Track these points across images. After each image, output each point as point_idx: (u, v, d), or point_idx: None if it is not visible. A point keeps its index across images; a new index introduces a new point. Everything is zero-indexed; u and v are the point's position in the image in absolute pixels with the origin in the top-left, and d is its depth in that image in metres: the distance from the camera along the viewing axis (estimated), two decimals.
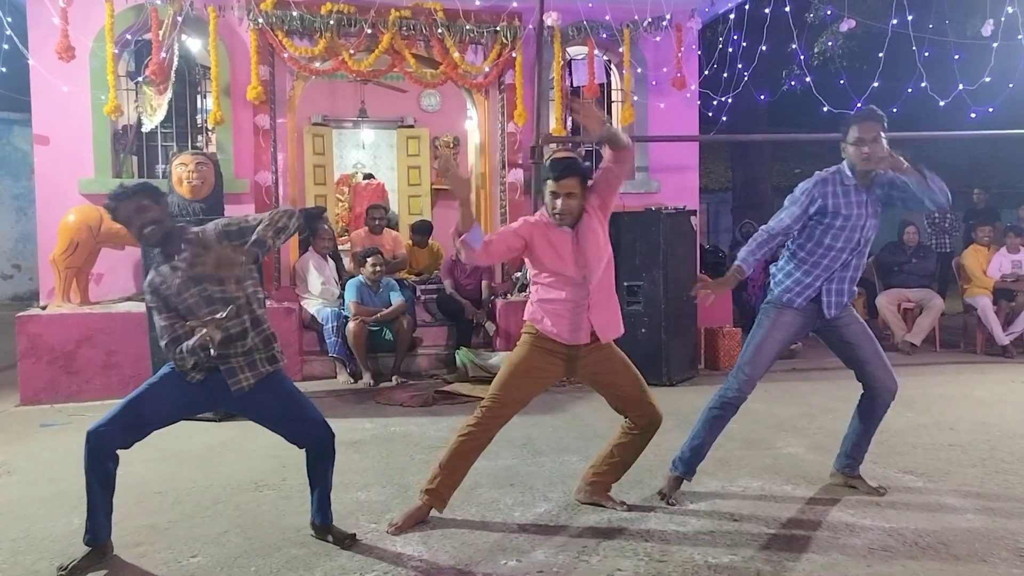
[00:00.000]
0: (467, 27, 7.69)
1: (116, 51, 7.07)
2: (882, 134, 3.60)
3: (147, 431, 3.19)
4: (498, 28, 7.80)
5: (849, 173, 3.72)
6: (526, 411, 3.71)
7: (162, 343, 3.18)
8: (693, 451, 3.84)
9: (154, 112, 7.17)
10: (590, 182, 3.47)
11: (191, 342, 3.06)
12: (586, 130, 3.40)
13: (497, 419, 3.54)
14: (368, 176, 11.86)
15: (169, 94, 7.10)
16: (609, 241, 3.57)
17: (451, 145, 11.22)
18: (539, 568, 3.06)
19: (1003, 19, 7.42)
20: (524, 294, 6.91)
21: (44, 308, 6.69)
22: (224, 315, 3.01)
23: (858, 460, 4.01)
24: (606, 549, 3.24)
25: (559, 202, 3.39)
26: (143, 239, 3.19)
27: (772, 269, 3.99)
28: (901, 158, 3.54)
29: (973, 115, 7.55)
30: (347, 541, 3.30)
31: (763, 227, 3.82)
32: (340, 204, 11.36)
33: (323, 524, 3.37)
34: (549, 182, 3.41)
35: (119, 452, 3.14)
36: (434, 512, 3.56)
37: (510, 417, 3.59)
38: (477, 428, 3.51)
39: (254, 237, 3.17)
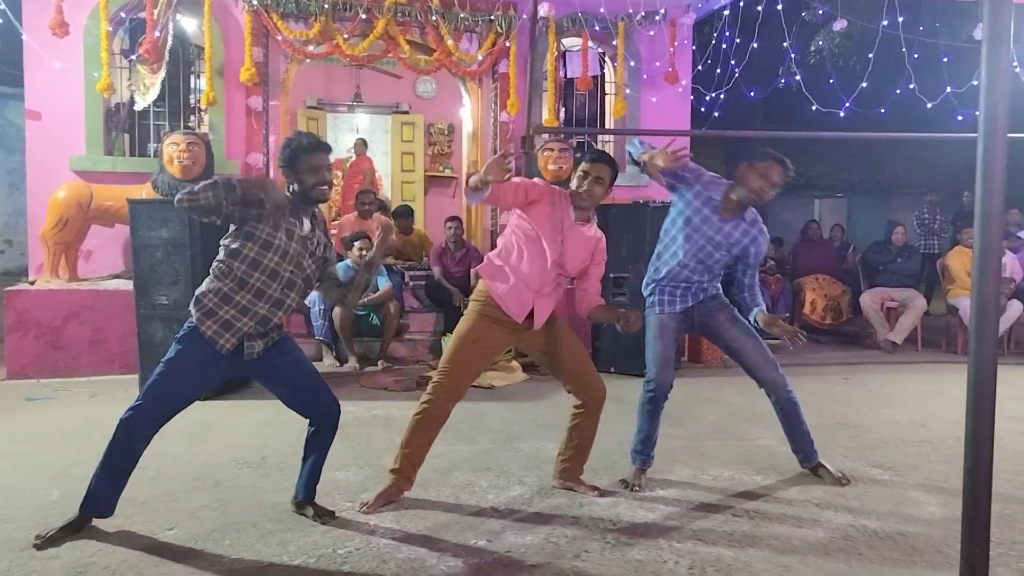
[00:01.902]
0: (462, 15, 7.72)
1: (110, 28, 7.09)
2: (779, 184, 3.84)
3: (179, 409, 3.23)
4: (492, 17, 7.84)
5: (723, 189, 3.90)
6: (505, 398, 3.79)
7: (221, 288, 3.15)
8: (643, 443, 3.99)
9: (147, 91, 7.18)
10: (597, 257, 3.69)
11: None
12: None
13: (449, 393, 3.59)
14: (362, 142, 11.69)
15: (162, 73, 7.12)
16: (578, 271, 3.69)
17: (445, 132, 11.26)
18: (507, 548, 3.13)
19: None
20: None
21: (33, 283, 6.74)
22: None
23: (808, 452, 4.14)
24: (574, 532, 3.31)
25: (586, 183, 3.55)
26: (313, 193, 3.22)
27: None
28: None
29: (960, 117, 7.61)
30: (325, 517, 3.38)
31: None
32: (333, 188, 11.39)
33: (305, 498, 3.44)
34: (583, 163, 3.59)
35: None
36: (410, 493, 3.64)
37: (463, 391, 3.65)
38: (430, 405, 3.57)
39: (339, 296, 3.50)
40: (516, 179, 3.51)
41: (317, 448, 3.44)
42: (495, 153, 8.07)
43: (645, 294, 4.13)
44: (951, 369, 7.31)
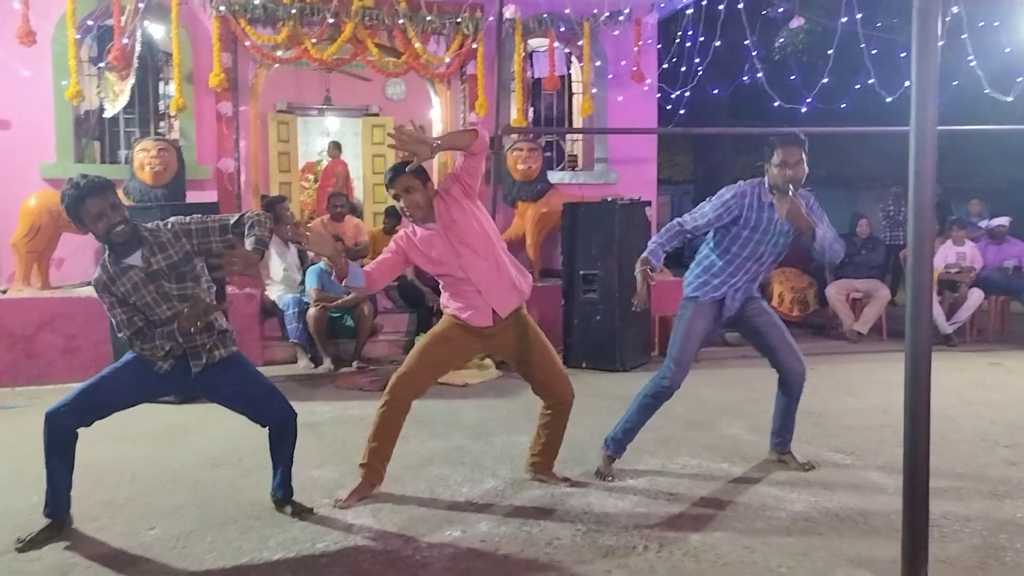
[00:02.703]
0: (428, 18, 7.81)
1: (78, 36, 7.09)
2: (804, 156, 3.83)
3: (107, 413, 3.30)
4: (459, 19, 7.93)
5: (768, 191, 3.91)
6: (481, 395, 3.88)
7: (122, 335, 3.29)
8: (625, 433, 4.06)
9: (116, 98, 7.20)
10: (451, 172, 3.57)
11: (171, 328, 3.22)
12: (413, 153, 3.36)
13: (409, 388, 3.67)
14: (335, 145, 11.71)
15: (132, 80, 7.14)
16: (486, 220, 3.65)
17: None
18: (482, 538, 3.23)
19: (947, 19, 7.68)
20: None
21: (5, 292, 6.73)
22: (208, 305, 3.25)
23: (787, 438, 4.27)
24: (547, 521, 3.42)
25: (401, 202, 3.54)
26: (110, 237, 3.20)
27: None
28: (808, 216, 3.76)
29: None
30: (304, 513, 3.46)
31: (677, 220, 4.04)
32: (305, 191, 11.43)
33: (283, 497, 3.52)
34: (389, 191, 3.59)
35: (79, 429, 3.25)
36: (386, 488, 3.73)
37: (423, 388, 3.74)
38: (392, 398, 3.65)
39: (256, 234, 3.27)
40: (373, 264, 3.59)
41: (281, 452, 3.50)
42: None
43: (686, 284, 4.12)
44: None
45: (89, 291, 6.65)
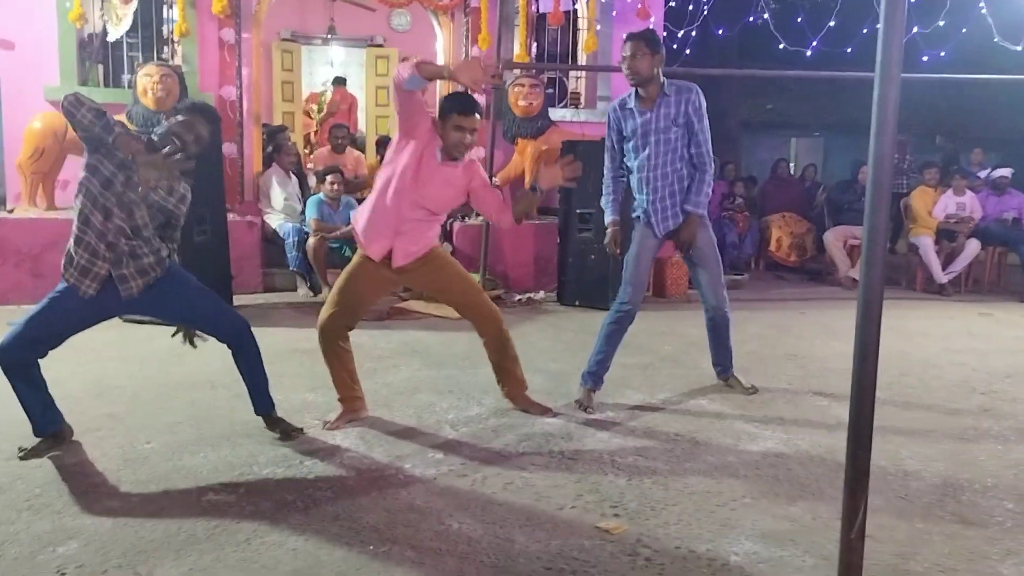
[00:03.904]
0: None
1: None
2: (646, 52, 3.98)
3: (54, 344, 3.30)
4: None
5: (633, 95, 4.12)
6: (471, 328, 3.98)
7: (92, 107, 3.06)
8: (599, 364, 4.22)
9: (119, 21, 7.19)
10: (489, 189, 3.78)
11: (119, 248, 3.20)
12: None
13: (336, 322, 3.78)
14: (341, 81, 11.69)
15: (135, 4, 7.11)
16: (453, 208, 3.90)
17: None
18: (462, 461, 3.39)
19: None
20: (480, 218, 7.13)
21: (11, 212, 6.83)
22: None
23: (726, 365, 4.58)
24: (525, 448, 3.57)
25: (467, 137, 3.55)
26: (165, 142, 3.20)
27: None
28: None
29: (925, 58, 7.74)
30: (293, 433, 3.59)
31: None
32: (315, 117, 11.36)
33: (265, 412, 3.61)
34: (456, 115, 3.51)
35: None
36: (374, 413, 3.89)
37: (352, 320, 3.85)
38: (321, 335, 3.81)
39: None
40: (421, 101, 3.55)
41: (245, 366, 3.55)
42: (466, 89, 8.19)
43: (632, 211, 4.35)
44: (906, 305, 7.61)
45: None
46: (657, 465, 3.41)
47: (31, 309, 3.32)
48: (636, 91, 4.11)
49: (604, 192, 4.32)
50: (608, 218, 4.29)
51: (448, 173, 3.63)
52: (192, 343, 3.62)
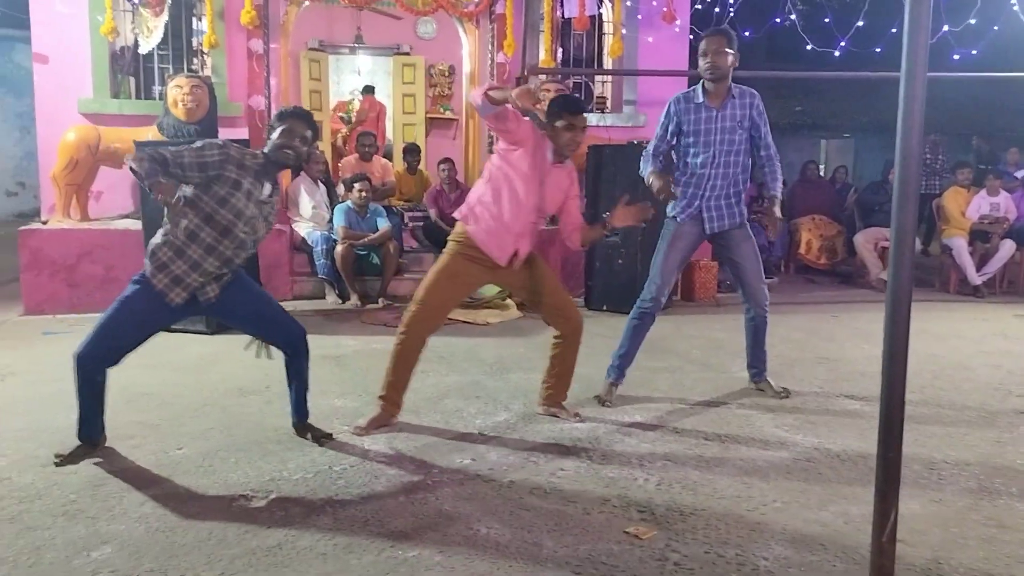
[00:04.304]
0: None
1: None
2: (728, 51, 4.05)
3: (130, 349, 3.36)
4: None
5: (700, 91, 4.13)
6: (499, 334, 4.00)
7: (145, 151, 3.22)
8: (621, 358, 4.31)
9: (150, 34, 7.32)
10: (576, 199, 3.91)
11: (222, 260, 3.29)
12: None
13: (423, 324, 3.79)
14: (369, 90, 11.76)
15: (165, 16, 7.24)
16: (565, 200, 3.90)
17: (446, 74, 11.30)
18: (490, 466, 3.39)
19: None
20: None
21: (46, 223, 6.96)
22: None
23: (760, 368, 4.54)
24: (553, 453, 3.56)
25: (569, 133, 3.67)
26: (277, 154, 3.35)
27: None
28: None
29: (956, 56, 7.63)
30: (323, 439, 3.63)
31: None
32: (343, 128, 11.44)
33: (301, 421, 3.68)
34: (566, 115, 3.67)
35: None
36: (403, 418, 3.89)
37: (437, 322, 3.87)
38: (406, 335, 3.79)
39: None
40: (512, 110, 3.60)
41: (296, 372, 3.63)
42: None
43: (668, 207, 4.38)
44: (940, 308, 7.50)
45: (127, 223, 6.87)
46: (686, 469, 3.39)
47: (102, 317, 3.36)
48: (703, 87, 4.14)
49: (643, 164, 4.26)
50: (648, 171, 4.20)
51: (557, 175, 3.76)
52: (268, 355, 3.65)
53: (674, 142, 4.28)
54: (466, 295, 4.06)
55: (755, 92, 4.23)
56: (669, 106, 4.24)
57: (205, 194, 3.26)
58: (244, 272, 3.58)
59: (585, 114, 3.77)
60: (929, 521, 2.93)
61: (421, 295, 3.81)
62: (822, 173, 12.08)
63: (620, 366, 4.32)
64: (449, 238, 3.89)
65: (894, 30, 7.77)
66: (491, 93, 3.43)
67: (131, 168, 3.14)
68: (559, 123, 3.69)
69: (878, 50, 7.99)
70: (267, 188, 3.40)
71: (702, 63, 4.10)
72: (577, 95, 3.73)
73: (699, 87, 4.18)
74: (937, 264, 9.19)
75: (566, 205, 3.91)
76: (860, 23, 7.68)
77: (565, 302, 3.98)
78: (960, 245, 8.48)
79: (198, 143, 3.29)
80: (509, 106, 3.46)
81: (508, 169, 3.71)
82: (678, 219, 4.30)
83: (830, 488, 3.24)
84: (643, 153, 4.33)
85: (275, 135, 3.39)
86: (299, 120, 3.42)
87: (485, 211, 3.75)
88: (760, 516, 2.96)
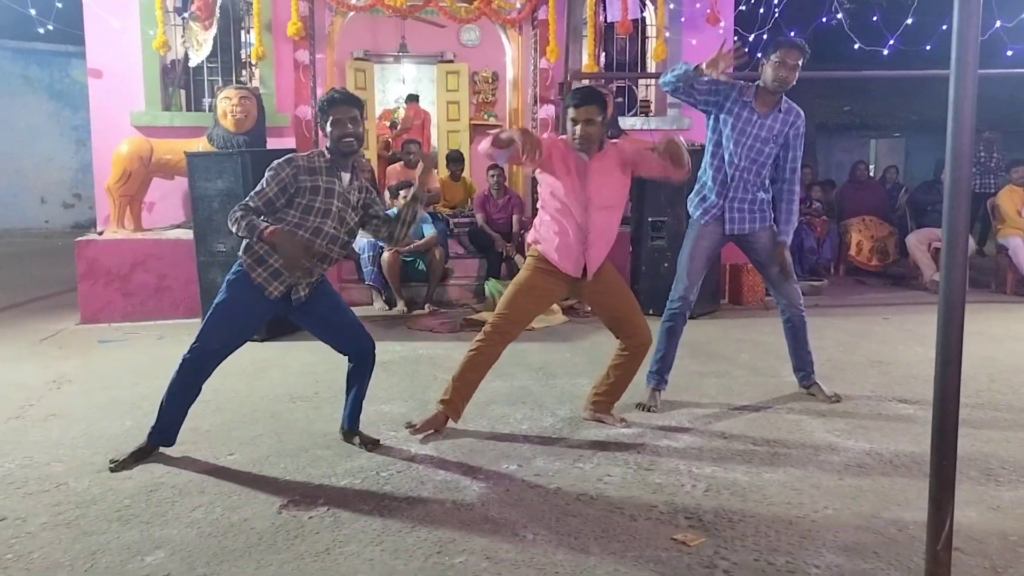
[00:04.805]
0: None
1: None
2: (799, 65, 4.02)
3: (236, 344, 3.52)
4: None
5: (753, 90, 4.09)
6: (545, 339, 4.00)
7: (236, 210, 3.33)
8: (659, 363, 4.29)
9: (200, 47, 7.47)
10: (639, 147, 3.80)
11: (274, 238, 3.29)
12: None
13: (502, 335, 3.84)
14: (414, 98, 11.88)
15: (214, 30, 7.38)
16: (624, 193, 3.88)
17: (490, 80, 11.36)
18: (536, 472, 3.38)
19: None
20: None
21: (101, 234, 7.14)
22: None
23: (808, 371, 4.50)
24: (600, 458, 3.55)
25: (579, 128, 3.63)
26: (339, 145, 3.45)
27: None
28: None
29: (1010, 52, 7.43)
30: (370, 445, 3.66)
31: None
32: (390, 133, 11.55)
33: (351, 428, 3.73)
34: (570, 109, 3.67)
35: None
36: (450, 424, 3.91)
37: (515, 334, 3.90)
38: (484, 343, 3.82)
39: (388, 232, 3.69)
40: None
41: (358, 382, 3.72)
42: (535, 101, 8.22)
43: (690, 207, 4.40)
44: (996, 309, 7.31)
45: (178, 233, 7.01)
46: (735, 475, 3.35)
47: (208, 315, 3.49)
48: (757, 90, 4.13)
49: (677, 68, 4.01)
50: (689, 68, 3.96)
51: (596, 165, 3.72)
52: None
53: (706, 101, 4.11)
54: (545, 308, 4.11)
55: (801, 112, 4.21)
56: (722, 83, 4.12)
57: (291, 208, 3.42)
58: (327, 280, 3.68)
59: (588, 106, 3.60)
60: (986, 529, 2.86)
61: (503, 307, 3.85)
62: (872, 173, 11.86)
63: (659, 370, 4.30)
64: (528, 253, 3.93)
65: (944, 27, 7.61)
66: (498, 140, 3.56)
67: (237, 233, 3.33)
68: (566, 119, 3.72)
69: (928, 48, 7.83)
70: (345, 178, 3.52)
71: (770, 71, 4.03)
72: (590, 86, 3.68)
73: (754, 87, 4.15)
74: (993, 264, 8.94)
75: (638, 164, 3.76)
76: (909, 20, 7.52)
77: (635, 316, 3.94)
78: (1016, 244, 8.25)
79: (268, 172, 3.41)
80: (518, 143, 3.49)
81: (549, 190, 3.77)
82: (701, 221, 4.33)
83: (883, 494, 3.18)
84: (673, 68, 4.04)
85: (328, 129, 3.47)
86: (341, 106, 3.46)
87: (548, 231, 3.80)
88: (811, 523, 2.91)
